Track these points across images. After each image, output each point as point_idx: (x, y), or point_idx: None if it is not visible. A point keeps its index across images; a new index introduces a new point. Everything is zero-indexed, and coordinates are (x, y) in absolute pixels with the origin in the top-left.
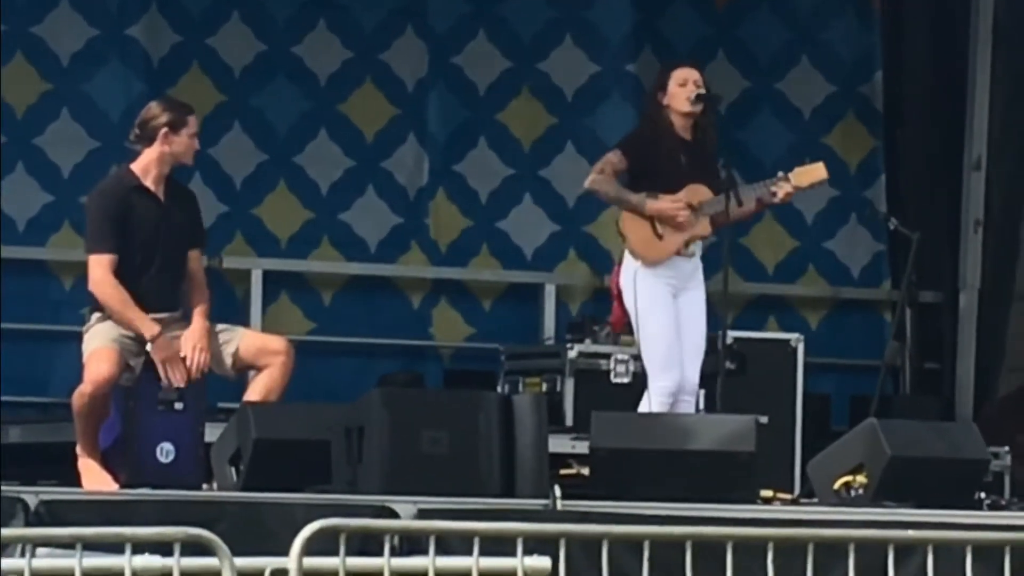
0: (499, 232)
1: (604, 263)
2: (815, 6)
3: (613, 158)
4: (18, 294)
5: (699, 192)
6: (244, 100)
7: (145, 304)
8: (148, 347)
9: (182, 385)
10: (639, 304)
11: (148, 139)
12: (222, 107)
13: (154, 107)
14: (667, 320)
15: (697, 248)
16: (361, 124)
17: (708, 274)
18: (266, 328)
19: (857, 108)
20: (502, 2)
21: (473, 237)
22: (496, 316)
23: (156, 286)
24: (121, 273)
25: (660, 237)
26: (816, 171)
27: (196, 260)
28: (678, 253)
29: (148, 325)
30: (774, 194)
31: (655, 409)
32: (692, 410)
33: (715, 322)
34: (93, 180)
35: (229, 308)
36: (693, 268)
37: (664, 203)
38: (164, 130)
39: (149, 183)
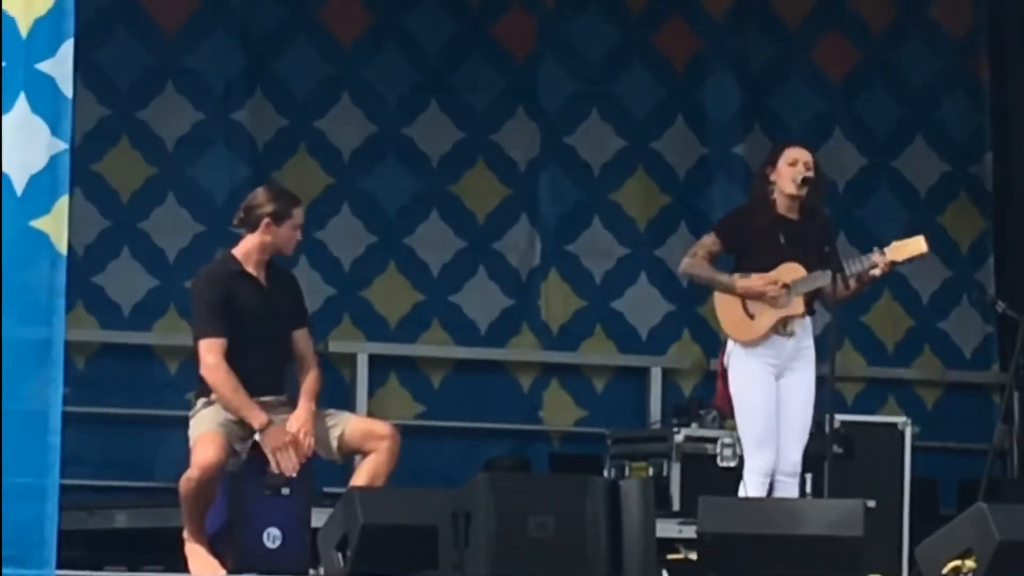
0: (614, 312)
1: (715, 345)
2: (927, 84)
3: (707, 240)
4: (124, 379)
5: (793, 271)
6: (353, 182)
7: (249, 388)
8: (257, 436)
9: (294, 475)
10: (736, 383)
11: (251, 225)
12: (330, 190)
13: (261, 194)
14: (764, 400)
15: (801, 328)
16: (473, 205)
17: (822, 355)
18: (375, 410)
19: (969, 188)
20: (614, 81)
21: (586, 318)
22: (608, 397)
23: (260, 370)
24: (226, 358)
25: (752, 317)
26: (914, 245)
27: (303, 340)
28: (774, 332)
29: (257, 415)
30: (871, 269)
31: (749, 489)
32: (793, 492)
33: (832, 403)
34: (198, 264)
35: (336, 392)
36: (796, 348)
37: (753, 281)
38: (267, 220)
39: (250, 268)
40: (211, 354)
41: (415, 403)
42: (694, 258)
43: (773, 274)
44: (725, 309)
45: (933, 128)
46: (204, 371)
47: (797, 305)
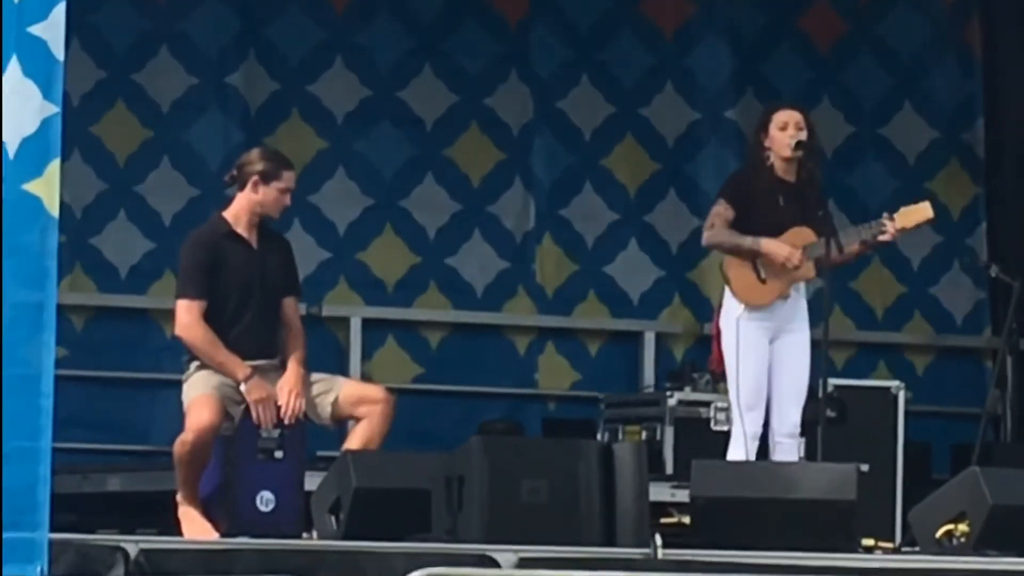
0: (605, 277)
1: (705, 310)
2: (917, 52)
3: (720, 209)
4: (119, 342)
5: (804, 235)
6: (348, 146)
7: (240, 351)
8: (242, 387)
9: (270, 427)
10: (729, 347)
11: (241, 183)
12: (324, 154)
13: (254, 153)
14: (755, 364)
15: (796, 290)
16: (467, 169)
17: (813, 321)
18: (374, 372)
19: (960, 154)
20: (604, 48)
21: (580, 282)
22: (602, 361)
23: (251, 333)
24: (215, 320)
25: (763, 281)
26: (921, 211)
27: (292, 308)
28: (780, 297)
29: (240, 367)
30: (879, 235)
31: (736, 451)
32: (793, 453)
33: (825, 367)
34: (193, 228)
35: (329, 356)
36: (792, 310)
37: (779, 246)
38: (255, 178)
39: (241, 229)
40: (187, 314)
41: (414, 364)
42: (713, 229)
43: (787, 238)
44: (736, 272)
45: (922, 95)
46: (179, 331)
47: (808, 270)
